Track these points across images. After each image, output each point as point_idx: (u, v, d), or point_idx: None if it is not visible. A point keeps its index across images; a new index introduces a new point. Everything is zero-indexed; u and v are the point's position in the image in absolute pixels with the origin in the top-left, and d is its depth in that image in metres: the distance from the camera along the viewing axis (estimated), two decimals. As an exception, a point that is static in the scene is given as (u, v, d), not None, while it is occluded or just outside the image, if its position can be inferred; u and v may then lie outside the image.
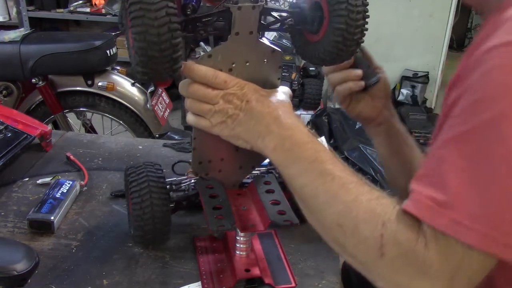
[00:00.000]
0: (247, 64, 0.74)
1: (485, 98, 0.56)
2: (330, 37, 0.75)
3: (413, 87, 3.79)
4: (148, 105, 2.13)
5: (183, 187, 0.90)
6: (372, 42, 3.85)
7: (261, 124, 0.69)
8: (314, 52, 0.79)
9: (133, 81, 2.14)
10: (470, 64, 0.61)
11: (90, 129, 2.40)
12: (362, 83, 0.97)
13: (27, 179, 1.11)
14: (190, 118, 0.75)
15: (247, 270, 0.82)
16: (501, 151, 0.53)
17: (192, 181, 0.90)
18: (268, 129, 0.69)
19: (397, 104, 3.79)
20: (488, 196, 0.53)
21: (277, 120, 0.69)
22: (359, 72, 0.97)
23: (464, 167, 0.55)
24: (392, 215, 0.59)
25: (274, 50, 0.76)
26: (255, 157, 0.80)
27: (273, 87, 0.77)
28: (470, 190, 0.54)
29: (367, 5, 0.74)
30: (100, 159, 1.21)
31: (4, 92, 2.08)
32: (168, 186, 0.86)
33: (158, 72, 0.65)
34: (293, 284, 0.82)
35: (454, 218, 0.54)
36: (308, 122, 3.18)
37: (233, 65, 0.73)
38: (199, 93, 0.71)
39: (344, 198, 0.62)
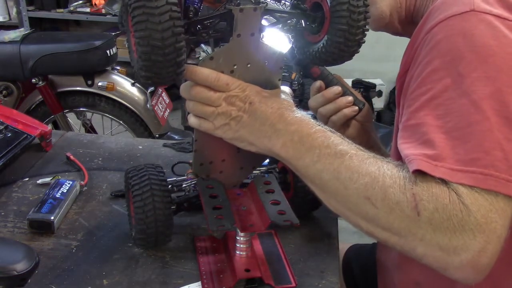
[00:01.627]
0: (249, 65, 0.74)
1: (441, 65, 0.65)
2: (331, 38, 0.75)
3: (413, 87, 3.79)
4: (148, 105, 2.14)
5: (184, 187, 0.90)
6: (372, 42, 3.85)
7: (266, 124, 0.70)
8: (315, 53, 0.79)
9: (133, 81, 2.14)
10: (414, 49, 0.73)
11: (90, 129, 2.40)
12: (356, 107, 1.01)
13: (27, 179, 1.11)
14: (193, 121, 0.75)
15: (247, 270, 0.82)
16: (466, 103, 0.61)
17: (193, 182, 0.89)
18: (274, 128, 0.70)
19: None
20: (470, 142, 0.59)
21: (282, 118, 0.70)
22: (350, 98, 1.00)
23: (441, 125, 0.62)
24: (419, 172, 0.60)
25: (275, 51, 0.76)
26: (256, 158, 0.80)
27: (274, 87, 0.77)
28: (453, 142, 0.60)
29: (368, 5, 0.74)
30: (100, 159, 1.21)
31: (4, 92, 2.09)
32: (169, 187, 0.86)
33: (161, 76, 0.65)
34: (293, 284, 0.82)
35: (449, 167, 0.59)
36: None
37: (235, 67, 0.73)
38: (201, 95, 0.72)
39: (367, 170, 0.63)
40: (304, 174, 0.70)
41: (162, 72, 0.64)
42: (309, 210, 0.97)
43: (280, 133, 0.70)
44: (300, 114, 0.72)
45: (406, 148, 0.64)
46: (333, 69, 3.27)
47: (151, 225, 0.81)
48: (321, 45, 0.77)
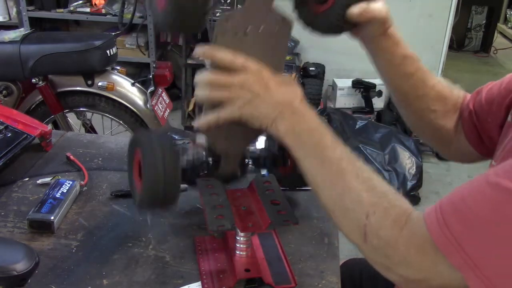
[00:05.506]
0: (262, 28, 0.75)
1: None
2: (341, 2, 0.76)
3: (413, 87, 3.79)
4: (148, 105, 2.13)
5: (190, 154, 0.89)
6: (372, 42, 3.85)
7: (276, 109, 0.72)
8: (327, 22, 0.80)
9: (133, 81, 2.14)
10: None
11: (90, 129, 2.40)
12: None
13: (27, 179, 1.11)
14: (207, 108, 0.76)
15: (247, 270, 0.82)
16: None
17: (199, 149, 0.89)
18: (282, 114, 0.72)
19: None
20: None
21: (290, 106, 0.72)
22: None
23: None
24: (379, 210, 0.63)
25: (285, 18, 0.77)
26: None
27: (280, 62, 0.79)
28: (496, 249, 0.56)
29: None
30: (100, 159, 1.21)
31: (4, 92, 2.08)
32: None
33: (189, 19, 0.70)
34: (293, 284, 0.82)
35: (465, 259, 0.56)
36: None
37: (249, 29, 0.74)
38: (218, 79, 0.73)
39: (336, 186, 0.67)
40: (298, 164, 0.72)
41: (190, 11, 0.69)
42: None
43: (285, 121, 0.72)
44: (307, 105, 0.74)
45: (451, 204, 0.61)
46: (333, 70, 3.29)
47: (159, 179, 0.75)
48: (331, 12, 0.79)
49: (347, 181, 0.66)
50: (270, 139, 0.94)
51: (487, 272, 0.55)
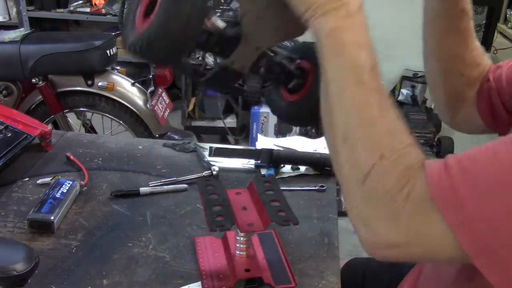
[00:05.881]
0: None
1: None
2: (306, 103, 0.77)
3: (413, 87, 3.79)
4: (148, 105, 2.14)
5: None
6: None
7: (333, 2, 0.61)
8: (297, 112, 0.80)
9: (133, 81, 2.15)
10: None
11: (90, 129, 2.40)
12: None
13: (27, 179, 1.11)
14: None
15: (247, 270, 0.82)
16: None
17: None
18: (336, 11, 0.61)
19: (397, 104, 3.79)
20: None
21: (348, 6, 0.61)
22: None
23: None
24: (394, 155, 0.57)
25: None
26: (295, 27, 0.72)
27: None
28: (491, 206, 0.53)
29: None
30: (100, 159, 1.21)
31: (4, 92, 2.08)
32: None
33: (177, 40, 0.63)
34: (293, 284, 0.82)
35: (463, 220, 0.53)
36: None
37: None
38: None
39: (361, 114, 0.59)
40: (323, 73, 0.63)
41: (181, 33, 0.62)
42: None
43: (336, 18, 0.61)
44: (364, 21, 0.64)
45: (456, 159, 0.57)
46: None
47: (183, 12, 0.61)
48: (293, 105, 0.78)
49: (374, 114, 0.59)
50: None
51: (488, 240, 0.52)
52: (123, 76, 2.17)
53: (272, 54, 0.76)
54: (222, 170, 1.15)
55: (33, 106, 2.17)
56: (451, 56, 0.86)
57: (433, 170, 0.56)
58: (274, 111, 0.85)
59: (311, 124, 0.86)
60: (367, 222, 0.59)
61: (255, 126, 3.52)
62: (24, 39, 2.02)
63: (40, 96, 2.11)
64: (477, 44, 0.87)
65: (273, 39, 0.73)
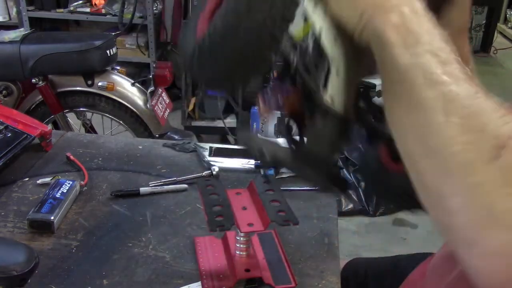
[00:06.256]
0: None
1: None
2: None
3: (413, 87, 3.79)
4: (148, 105, 2.14)
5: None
6: (372, 42, 3.86)
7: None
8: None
9: (133, 81, 2.15)
10: None
11: (90, 129, 2.40)
12: None
13: (27, 179, 1.11)
14: None
15: (247, 270, 0.82)
16: None
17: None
18: (398, 7, 0.48)
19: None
20: None
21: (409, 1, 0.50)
22: None
23: None
24: None
25: None
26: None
27: None
28: None
29: None
30: (100, 159, 1.21)
31: (4, 92, 2.08)
32: None
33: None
34: (293, 284, 0.82)
35: None
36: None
37: None
38: None
39: (472, 102, 0.43)
40: (393, 65, 0.48)
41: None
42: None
43: (398, 14, 0.48)
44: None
45: None
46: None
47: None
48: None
49: (479, 97, 0.43)
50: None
51: None
52: (123, 76, 2.17)
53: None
54: (222, 170, 1.15)
55: (33, 106, 2.17)
56: None
57: None
58: (367, 180, 0.70)
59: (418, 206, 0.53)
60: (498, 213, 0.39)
61: (255, 126, 3.53)
62: (24, 39, 2.02)
63: (40, 96, 2.11)
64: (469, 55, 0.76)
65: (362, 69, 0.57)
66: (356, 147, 0.62)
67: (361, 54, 0.52)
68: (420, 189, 0.45)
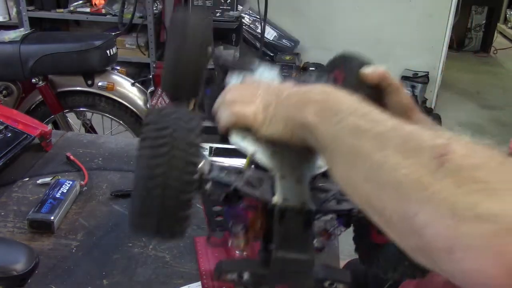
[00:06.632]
0: None
1: None
2: None
3: (413, 87, 3.80)
4: (148, 105, 2.13)
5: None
6: (373, 43, 3.86)
7: (304, 96, 0.59)
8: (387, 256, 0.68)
9: (133, 81, 2.15)
10: None
11: (90, 129, 2.40)
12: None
13: (27, 179, 1.11)
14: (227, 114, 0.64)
15: (247, 270, 0.82)
16: None
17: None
18: (309, 97, 0.58)
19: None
20: None
21: (316, 89, 0.59)
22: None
23: None
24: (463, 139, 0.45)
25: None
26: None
27: None
28: None
29: None
30: (100, 159, 1.21)
31: (4, 92, 2.08)
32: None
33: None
34: None
35: None
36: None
37: None
38: (240, 90, 0.66)
39: (398, 133, 0.48)
40: (324, 139, 0.54)
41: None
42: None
43: (313, 103, 0.57)
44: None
45: None
46: (333, 69, 3.14)
47: (156, 192, 0.49)
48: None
49: (406, 127, 0.48)
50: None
51: None
52: (123, 76, 2.17)
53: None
54: (222, 170, 1.15)
55: (33, 106, 2.17)
56: None
57: None
58: (358, 252, 0.74)
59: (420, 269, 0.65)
60: (467, 211, 0.39)
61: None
62: (24, 39, 2.01)
63: (40, 96, 2.11)
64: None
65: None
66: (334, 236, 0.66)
67: (301, 149, 0.59)
68: (387, 225, 0.47)
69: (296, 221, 0.55)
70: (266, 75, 0.74)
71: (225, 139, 0.65)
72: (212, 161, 0.56)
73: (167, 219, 0.50)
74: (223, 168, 0.56)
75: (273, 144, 0.60)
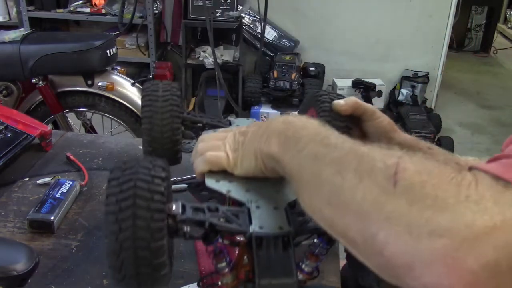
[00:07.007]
0: None
1: None
2: None
3: (413, 87, 3.80)
4: (148, 105, 2.13)
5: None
6: (372, 43, 3.86)
7: (267, 129, 0.64)
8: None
9: (133, 81, 2.15)
10: None
11: (90, 129, 2.40)
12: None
13: (27, 179, 1.11)
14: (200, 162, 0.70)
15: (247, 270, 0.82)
16: None
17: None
18: (270, 128, 0.64)
19: (397, 104, 3.79)
20: None
21: (276, 121, 0.65)
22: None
23: None
24: (415, 155, 0.47)
25: None
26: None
27: None
28: None
29: None
30: (100, 159, 1.21)
31: (4, 92, 2.08)
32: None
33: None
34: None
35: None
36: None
37: None
38: (210, 139, 0.73)
39: (350, 160, 0.50)
40: (289, 168, 0.58)
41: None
42: None
43: (276, 131, 0.62)
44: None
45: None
46: (333, 70, 3.31)
47: (127, 245, 0.50)
48: None
49: (361, 149, 0.51)
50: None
51: None
52: (123, 76, 2.17)
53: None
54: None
55: (33, 106, 2.17)
56: None
57: (481, 165, 0.46)
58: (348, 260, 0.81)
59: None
60: (424, 222, 0.40)
61: (255, 126, 3.52)
62: (24, 39, 2.01)
63: (40, 96, 2.11)
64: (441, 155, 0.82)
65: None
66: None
67: (275, 180, 0.64)
68: (352, 246, 0.48)
69: (275, 246, 0.57)
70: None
71: (199, 187, 0.73)
72: (183, 202, 0.57)
73: (144, 269, 0.51)
74: (196, 208, 0.57)
75: (249, 181, 0.65)
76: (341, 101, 0.78)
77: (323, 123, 0.61)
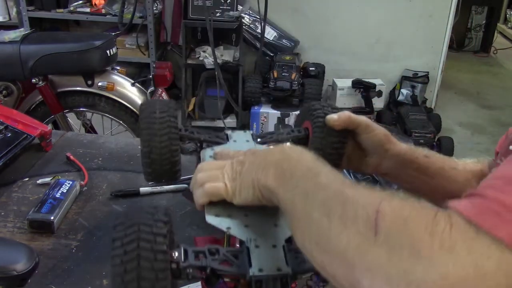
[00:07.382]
0: None
1: None
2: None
3: (413, 87, 3.80)
4: (148, 105, 2.13)
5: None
6: (372, 43, 3.86)
7: (265, 159, 0.66)
8: None
9: (133, 81, 2.15)
10: None
11: (90, 129, 2.40)
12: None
13: (27, 179, 1.11)
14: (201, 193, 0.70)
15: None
16: None
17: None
18: (267, 160, 0.65)
19: (397, 104, 3.79)
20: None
21: (274, 152, 0.67)
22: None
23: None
24: (394, 199, 0.49)
25: None
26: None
27: None
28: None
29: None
30: (100, 159, 1.21)
31: (4, 92, 2.08)
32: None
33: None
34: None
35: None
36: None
37: None
38: (209, 165, 0.74)
39: (335, 201, 0.53)
40: (284, 203, 0.60)
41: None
42: None
43: (273, 162, 0.64)
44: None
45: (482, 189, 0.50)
46: (333, 70, 3.31)
47: (133, 286, 0.55)
48: None
49: (346, 192, 0.53)
50: None
51: None
52: (123, 76, 2.17)
53: None
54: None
55: (33, 106, 2.17)
56: (433, 190, 0.85)
57: (457, 204, 0.48)
58: None
59: None
60: (406, 269, 0.42)
61: (255, 126, 3.52)
62: (24, 39, 2.01)
63: (40, 96, 2.11)
64: (453, 164, 0.86)
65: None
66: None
67: (272, 212, 0.66)
68: (341, 287, 0.50)
69: (274, 287, 0.59)
70: (240, 141, 0.82)
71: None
72: (185, 246, 0.59)
73: None
74: (198, 252, 0.59)
75: (248, 214, 0.67)
76: (334, 116, 0.80)
77: (316, 156, 0.62)
